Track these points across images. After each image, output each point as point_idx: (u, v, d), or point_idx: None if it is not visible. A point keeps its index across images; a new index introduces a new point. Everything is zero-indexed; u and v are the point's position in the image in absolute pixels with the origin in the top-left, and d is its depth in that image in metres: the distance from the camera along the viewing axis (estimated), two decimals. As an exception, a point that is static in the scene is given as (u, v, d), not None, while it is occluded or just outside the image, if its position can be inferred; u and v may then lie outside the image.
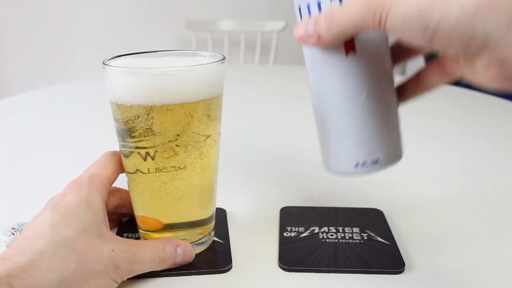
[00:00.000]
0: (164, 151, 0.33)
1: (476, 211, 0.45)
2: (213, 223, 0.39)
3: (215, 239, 0.39)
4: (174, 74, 0.31)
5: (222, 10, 2.28)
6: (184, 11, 2.23)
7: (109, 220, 0.34)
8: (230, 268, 0.35)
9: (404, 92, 0.33)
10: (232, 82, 1.08)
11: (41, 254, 0.28)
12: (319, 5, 0.29)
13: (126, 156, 0.34)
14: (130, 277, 0.32)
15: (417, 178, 0.52)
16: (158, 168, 0.33)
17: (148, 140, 0.32)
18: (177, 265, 0.35)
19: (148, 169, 0.34)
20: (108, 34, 2.23)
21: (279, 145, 0.65)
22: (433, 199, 0.47)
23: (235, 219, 0.43)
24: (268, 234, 0.40)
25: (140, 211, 0.37)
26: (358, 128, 0.31)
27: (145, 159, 0.33)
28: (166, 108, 0.32)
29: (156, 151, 0.33)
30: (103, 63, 0.33)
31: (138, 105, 0.31)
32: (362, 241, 0.38)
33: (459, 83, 1.66)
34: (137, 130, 0.32)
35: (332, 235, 0.39)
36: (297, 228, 0.40)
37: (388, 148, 0.32)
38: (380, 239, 0.39)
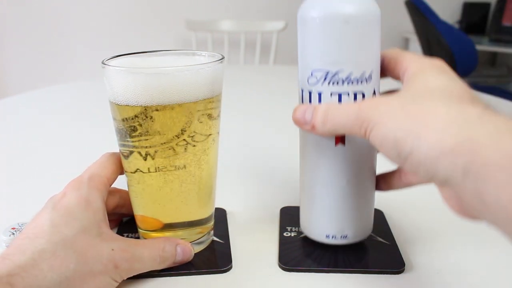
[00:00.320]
0: (164, 150, 0.33)
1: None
2: (212, 223, 0.39)
3: (215, 239, 0.39)
4: (173, 74, 0.31)
5: (222, 10, 2.28)
6: (184, 11, 2.23)
7: (109, 220, 0.34)
8: (230, 268, 0.35)
9: (389, 182, 0.36)
10: (232, 82, 1.08)
11: (41, 253, 0.28)
12: (319, 95, 0.32)
13: (126, 156, 0.34)
14: (130, 276, 0.32)
15: (417, 178, 0.52)
16: (158, 167, 0.33)
17: (148, 139, 0.32)
18: (177, 264, 0.35)
19: (148, 168, 0.34)
20: (108, 34, 2.23)
21: (279, 145, 0.65)
22: (434, 199, 0.47)
23: (235, 219, 0.43)
24: (268, 234, 0.40)
25: (139, 210, 0.37)
26: (333, 208, 0.35)
27: (145, 159, 0.33)
28: (165, 108, 0.32)
29: (156, 150, 0.33)
30: (103, 63, 0.33)
31: (138, 105, 0.31)
32: (362, 241, 0.38)
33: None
34: (137, 130, 0.32)
35: (332, 235, 0.39)
36: (297, 228, 0.40)
37: (357, 228, 0.36)
38: (380, 239, 0.39)
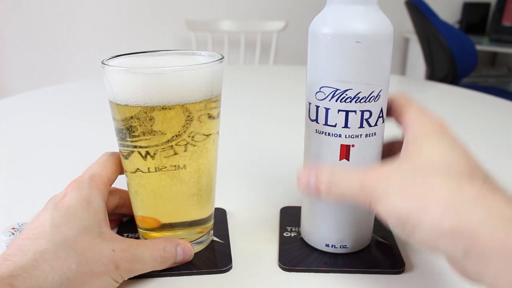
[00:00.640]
0: (164, 150, 0.33)
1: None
2: (212, 222, 0.39)
3: (215, 239, 0.39)
4: (173, 74, 0.31)
5: (222, 10, 2.28)
6: (184, 11, 2.23)
7: (109, 221, 0.34)
8: (230, 268, 0.35)
9: None
10: (232, 82, 1.08)
11: (42, 254, 0.27)
12: (326, 110, 0.33)
13: (126, 156, 0.34)
14: (131, 277, 0.32)
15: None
16: (158, 167, 0.33)
17: (148, 139, 0.32)
18: (177, 264, 0.35)
19: (148, 168, 0.34)
20: (108, 34, 2.23)
21: (279, 145, 0.65)
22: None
23: (235, 219, 0.43)
24: (268, 234, 0.40)
25: (139, 210, 0.37)
26: (334, 219, 0.36)
27: (145, 159, 0.33)
28: (165, 108, 0.32)
29: (156, 150, 0.33)
30: (102, 63, 0.33)
31: (137, 105, 0.31)
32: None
33: (459, 83, 1.65)
34: (137, 130, 0.32)
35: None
36: (297, 228, 0.40)
37: (356, 239, 0.37)
38: (380, 239, 0.39)
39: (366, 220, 0.37)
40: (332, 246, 0.36)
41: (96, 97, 0.92)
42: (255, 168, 0.56)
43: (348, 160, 0.33)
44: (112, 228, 0.40)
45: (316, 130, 0.34)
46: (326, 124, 0.33)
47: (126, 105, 0.32)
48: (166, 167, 0.33)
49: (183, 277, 0.34)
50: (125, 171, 0.36)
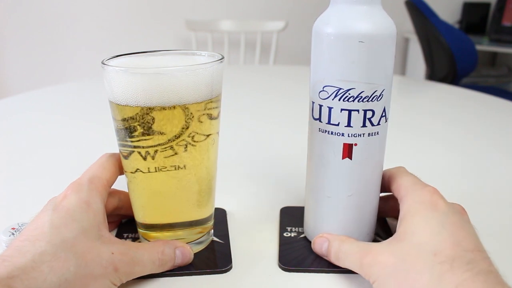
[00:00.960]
0: (164, 150, 0.33)
1: (475, 211, 0.45)
2: (212, 222, 0.39)
3: (215, 239, 0.39)
4: (173, 74, 0.31)
5: (222, 10, 2.28)
6: (184, 11, 2.23)
7: (109, 223, 0.34)
8: (230, 268, 0.35)
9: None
10: (232, 82, 1.08)
11: (41, 255, 0.27)
12: (330, 109, 0.33)
13: (126, 156, 0.34)
14: (129, 279, 0.32)
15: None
16: (158, 167, 0.33)
17: (148, 139, 0.32)
18: (176, 267, 0.35)
19: (148, 168, 0.34)
20: (108, 34, 2.23)
21: (279, 145, 0.65)
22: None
23: (235, 219, 0.43)
24: (268, 234, 0.40)
25: (139, 210, 0.37)
26: (336, 219, 0.36)
27: (145, 159, 0.33)
28: (165, 108, 0.32)
29: (156, 150, 0.33)
30: (102, 63, 0.33)
31: (137, 105, 0.31)
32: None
33: (459, 83, 1.65)
34: (137, 130, 0.32)
35: (332, 235, 0.40)
36: (297, 228, 0.40)
37: (359, 239, 0.36)
38: (380, 239, 0.39)
39: (369, 219, 0.37)
40: None
41: (96, 97, 0.92)
42: (255, 168, 0.56)
43: (351, 159, 0.34)
44: (111, 230, 0.40)
45: (319, 129, 0.34)
46: (329, 123, 0.33)
47: (126, 105, 0.32)
48: (166, 167, 0.33)
49: (183, 277, 0.34)
50: (125, 171, 0.36)
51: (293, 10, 2.29)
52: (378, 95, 0.32)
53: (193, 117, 0.33)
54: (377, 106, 0.32)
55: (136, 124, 0.32)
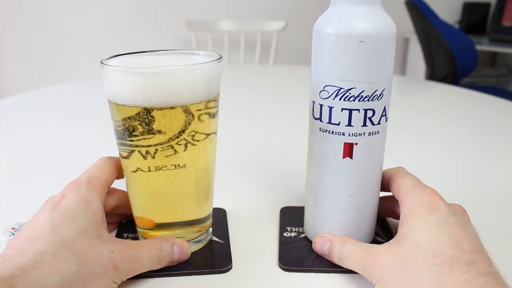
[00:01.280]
0: (164, 149, 0.33)
1: (475, 211, 0.45)
2: (210, 221, 0.39)
3: (215, 238, 0.39)
4: (171, 74, 0.31)
5: (222, 10, 2.28)
6: (184, 11, 2.23)
7: (109, 223, 0.34)
8: (230, 268, 0.35)
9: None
10: (232, 82, 1.08)
11: (42, 255, 0.27)
12: (330, 109, 0.33)
13: (125, 156, 0.34)
14: (129, 277, 0.32)
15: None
16: (158, 166, 0.33)
17: (148, 139, 0.32)
18: (174, 263, 0.35)
19: (149, 167, 0.34)
20: (108, 34, 2.23)
21: (279, 145, 0.65)
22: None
23: (235, 219, 0.43)
24: (268, 234, 0.40)
25: (139, 210, 0.37)
26: (337, 218, 0.36)
27: (145, 158, 0.33)
28: (164, 108, 0.32)
29: (156, 149, 0.33)
30: (101, 63, 0.33)
31: (136, 105, 0.31)
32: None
33: (459, 83, 1.65)
34: (137, 129, 0.32)
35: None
36: (297, 228, 0.40)
37: (359, 238, 0.36)
38: (379, 239, 0.39)
39: (370, 218, 0.37)
40: None
41: (96, 97, 0.92)
42: (255, 168, 0.56)
43: (351, 158, 0.34)
44: (111, 231, 0.40)
45: (320, 128, 0.34)
46: (329, 122, 0.33)
47: (125, 105, 0.32)
48: (166, 166, 0.34)
49: (182, 277, 0.34)
50: (125, 171, 0.36)
51: (293, 10, 2.29)
52: (378, 95, 0.32)
53: (193, 116, 0.33)
54: (377, 106, 0.33)
55: (137, 124, 0.32)
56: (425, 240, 0.29)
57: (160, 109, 0.32)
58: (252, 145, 0.66)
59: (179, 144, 0.33)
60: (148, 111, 0.31)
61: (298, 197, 0.47)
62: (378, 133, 0.34)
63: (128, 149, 0.34)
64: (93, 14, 2.19)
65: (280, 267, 0.35)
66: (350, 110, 0.32)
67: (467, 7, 2.51)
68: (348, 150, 0.33)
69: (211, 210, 0.39)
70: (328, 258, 0.35)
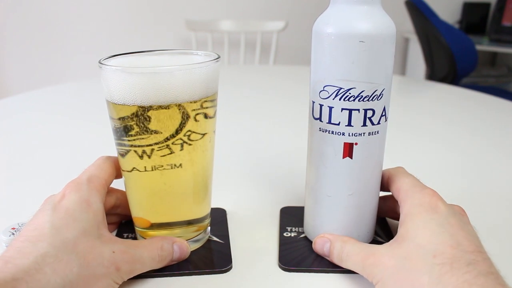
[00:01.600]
0: (161, 149, 0.33)
1: (475, 211, 0.45)
2: (208, 221, 0.39)
3: (215, 238, 0.39)
4: (169, 73, 0.31)
5: (222, 10, 2.28)
6: (184, 11, 2.23)
7: (108, 223, 0.34)
8: (230, 268, 0.35)
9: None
10: (232, 82, 1.08)
11: (44, 257, 0.27)
12: (330, 109, 0.33)
13: (123, 155, 0.35)
14: (130, 277, 0.32)
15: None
16: (154, 166, 0.34)
17: (145, 138, 0.33)
18: (174, 262, 0.35)
19: (145, 167, 0.34)
20: (108, 34, 2.23)
21: (279, 145, 0.65)
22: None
23: (235, 219, 0.43)
24: (268, 234, 0.40)
25: (136, 209, 0.37)
26: (337, 218, 0.36)
27: (141, 158, 0.33)
28: (161, 107, 0.32)
29: (153, 149, 0.33)
30: (99, 62, 0.33)
31: (134, 104, 0.32)
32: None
33: (459, 83, 1.65)
34: (133, 129, 0.32)
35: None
36: (297, 228, 0.40)
37: (359, 238, 0.36)
38: (379, 239, 0.39)
39: (369, 218, 0.37)
40: None
41: (96, 97, 0.92)
42: (255, 168, 0.56)
43: (351, 158, 0.34)
44: (111, 231, 0.40)
45: (320, 128, 0.34)
46: (329, 122, 0.33)
47: (122, 104, 0.32)
48: (162, 166, 0.34)
49: (183, 277, 0.34)
50: (122, 170, 0.36)
51: (293, 10, 2.29)
52: (378, 95, 0.32)
53: (189, 116, 0.33)
54: (377, 106, 0.33)
55: (133, 123, 0.32)
56: (426, 240, 0.29)
57: (158, 108, 0.32)
58: (252, 145, 0.66)
59: (175, 144, 0.33)
60: (145, 110, 0.32)
61: (298, 197, 0.47)
62: (378, 133, 0.34)
63: (125, 149, 0.34)
64: (93, 14, 2.19)
65: (280, 267, 0.35)
66: (350, 110, 0.32)
67: (467, 7, 2.51)
68: (348, 150, 0.33)
69: (209, 210, 0.39)
70: (328, 258, 0.35)
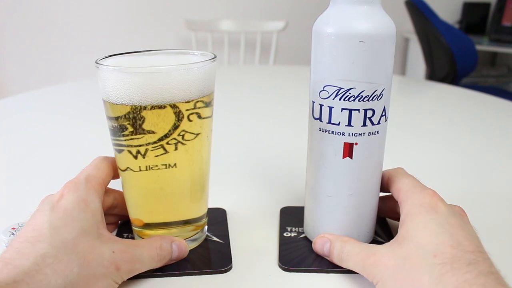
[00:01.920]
0: (155, 149, 0.33)
1: (475, 211, 0.45)
2: (205, 220, 0.39)
3: (215, 239, 0.39)
4: (164, 73, 0.31)
5: (222, 10, 2.28)
6: (184, 11, 2.23)
7: (107, 224, 0.34)
8: (230, 268, 0.35)
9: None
10: (232, 82, 1.08)
11: (43, 258, 0.27)
12: (330, 109, 0.33)
13: (118, 155, 0.35)
14: (130, 277, 0.32)
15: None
16: (149, 166, 0.34)
17: (139, 138, 0.33)
18: (173, 261, 0.35)
19: (139, 167, 0.34)
20: (108, 34, 2.23)
21: (279, 145, 0.65)
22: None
23: (235, 219, 0.43)
24: (268, 234, 0.40)
25: (133, 209, 0.37)
26: (337, 218, 0.36)
27: (135, 157, 0.33)
28: (156, 107, 0.32)
29: (147, 149, 0.33)
30: (96, 62, 0.33)
31: (129, 104, 0.32)
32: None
33: (459, 83, 1.65)
34: (127, 128, 0.32)
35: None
36: (297, 228, 0.40)
37: (359, 238, 0.36)
38: (379, 239, 0.39)
39: (369, 218, 0.37)
40: None
41: (96, 97, 0.92)
42: (255, 168, 0.56)
43: (351, 158, 0.34)
44: (111, 232, 0.40)
45: (320, 128, 0.34)
46: (329, 122, 0.33)
47: (118, 104, 0.32)
48: (157, 166, 0.34)
49: (183, 277, 0.34)
50: (119, 169, 0.36)
51: (293, 10, 2.29)
52: (378, 95, 0.32)
53: (183, 116, 0.33)
54: (377, 106, 0.33)
55: (128, 123, 0.32)
56: (426, 240, 0.29)
57: (152, 108, 0.32)
58: (252, 145, 0.66)
59: (170, 144, 0.33)
60: (140, 110, 0.32)
61: (298, 197, 0.47)
62: (378, 133, 0.34)
63: (120, 149, 0.34)
64: (93, 14, 2.19)
65: (280, 267, 0.35)
66: (350, 110, 0.32)
67: (467, 7, 2.51)
68: (348, 150, 0.33)
69: (206, 209, 0.39)
70: (328, 258, 0.35)
